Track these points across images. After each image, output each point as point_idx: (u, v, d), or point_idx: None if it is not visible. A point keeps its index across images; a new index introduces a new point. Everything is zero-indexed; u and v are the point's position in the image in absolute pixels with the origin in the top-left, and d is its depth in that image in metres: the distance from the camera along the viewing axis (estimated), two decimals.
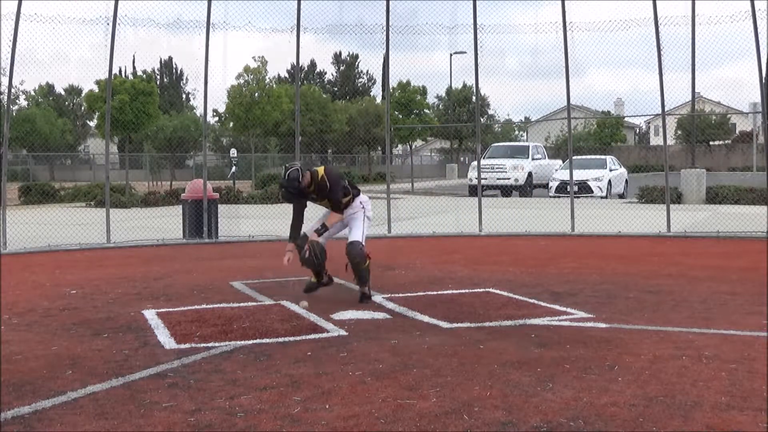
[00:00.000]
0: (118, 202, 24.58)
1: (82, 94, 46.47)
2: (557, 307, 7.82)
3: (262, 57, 35.83)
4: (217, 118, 40.56)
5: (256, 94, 35.34)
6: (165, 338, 6.59)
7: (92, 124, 49.85)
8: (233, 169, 31.76)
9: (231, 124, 38.90)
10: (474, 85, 17.07)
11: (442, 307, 7.84)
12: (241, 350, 6.16)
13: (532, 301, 8.18)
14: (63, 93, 65.21)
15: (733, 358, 5.74)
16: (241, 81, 35.71)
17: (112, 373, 5.51)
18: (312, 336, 6.63)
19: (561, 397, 4.88)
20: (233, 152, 32.77)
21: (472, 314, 7.49)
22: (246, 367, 5.65)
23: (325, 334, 6.69)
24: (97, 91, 29.04)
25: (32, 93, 59.97)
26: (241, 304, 8.14)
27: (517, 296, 8.46)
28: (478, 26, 15.43)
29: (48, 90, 63.81)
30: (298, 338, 6.54)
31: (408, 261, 11.57)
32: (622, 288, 8.93)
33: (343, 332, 6.75)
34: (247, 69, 35.51)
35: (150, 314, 7.67)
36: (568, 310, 7.67)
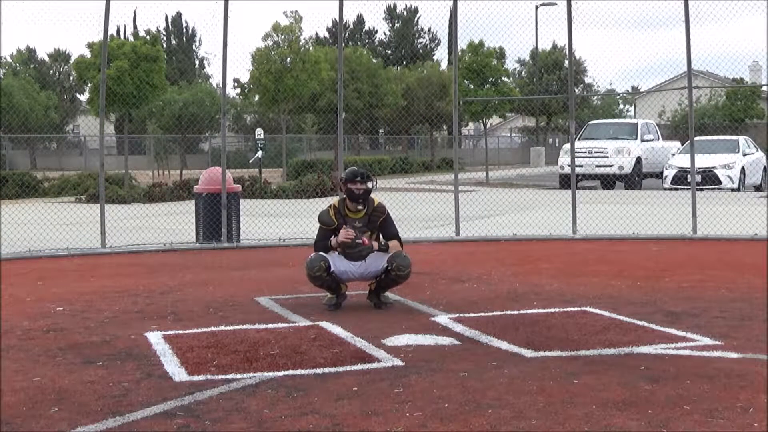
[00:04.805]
0: (115, 196, 24.95)
1: (71, 61, 47.07)
2: (674, 331, 7.76)
3: (296, 12, 36.03)
4: (238, 90, 40.84)
5: (288, 59, 35.49)
6: (174, 368, 6.67)
7: (83, 98, 50.55)
8: (259, 154, 32.02)
9: (256, 97, 39.13)
10: (567, 46, 16.95)
11: (525, 331, 7.81)
12: (269, 384, 6.21)
13: (641, 323, 8.11)
14: (47, 59, 66.29)
15: None
16: (270, 43, 35.93)
17: (108, 411, 5.59)
18: (359, 366, 6.65)
19: None
20: (259, 133, 33.02)
21: (563, 340, 7.45)
22: (275, 405, 5.69)
23: (375, 365, 6.71)
24: (89, 56, 29.47)
25: (8, 59, 61.06)
26: (269, 326, 8.20)
27: (621, 317, 8.40)
28: None
29: (28, 56, 64.88)
30: (341, 369, 6.57)
31: (481, 271, 11.54)
32: (759, 308, 8.79)
33: (398, 362, 6.76)
34: (276, 27, 35.69)
35: (155, 337, 7.76)
36: (689, 335, 7.60)
